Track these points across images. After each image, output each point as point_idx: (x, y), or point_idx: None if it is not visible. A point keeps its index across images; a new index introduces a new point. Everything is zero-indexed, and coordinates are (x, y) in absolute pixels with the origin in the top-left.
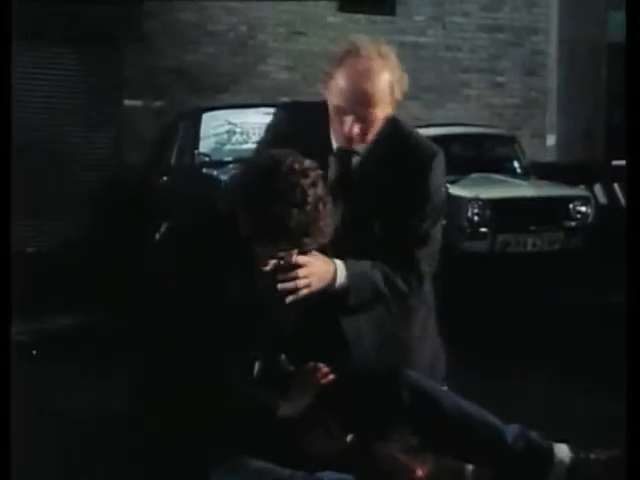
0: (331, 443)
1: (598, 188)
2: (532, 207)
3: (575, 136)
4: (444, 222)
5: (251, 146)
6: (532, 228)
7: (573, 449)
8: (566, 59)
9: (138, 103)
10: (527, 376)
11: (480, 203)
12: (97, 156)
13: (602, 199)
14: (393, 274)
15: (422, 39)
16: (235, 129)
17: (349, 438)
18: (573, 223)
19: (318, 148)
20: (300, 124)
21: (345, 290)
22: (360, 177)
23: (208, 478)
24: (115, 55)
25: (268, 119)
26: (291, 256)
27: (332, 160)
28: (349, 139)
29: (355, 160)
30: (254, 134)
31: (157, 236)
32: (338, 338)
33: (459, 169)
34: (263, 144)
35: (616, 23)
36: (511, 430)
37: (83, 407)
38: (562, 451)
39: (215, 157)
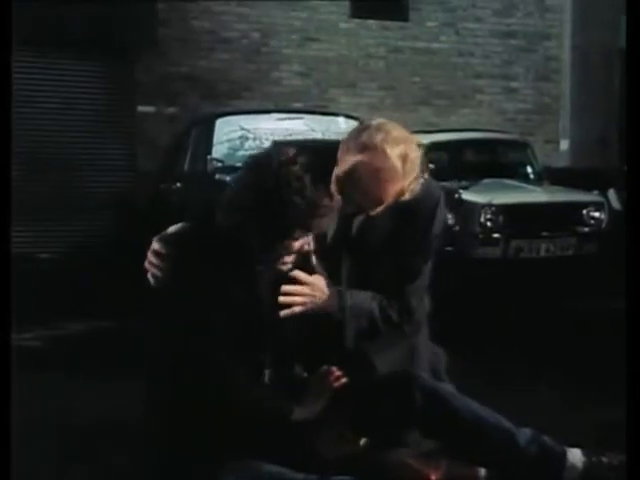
0: (344, 447)
1: (612, 193)
2: (545, 213)
3: (588, 141)
4: (457, 228)
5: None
6: (545, 234)
7: (586, 454)
8: (579, 64)
9: (151, 109)
10: (540, 382)
11: (493, 209)
12: (110, 162)
13: (616, 205)
14: (389, 308)
15: (435, 45)
16: (248, 135)
17: (362, 442)
18: (587, 229)
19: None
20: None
21: (343, 318)
22: (361, 237)
23: None
24: (128, 61)
25: (281, 125)
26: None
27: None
28: (341, 210)
29: (357, 221)
30: (267, 140)
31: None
32: (348, 348)
33: (472, 175)
34: None
35: None
36: (523, 434)
37: (93, 411)
38: (575, 456)
39: (228, 163)
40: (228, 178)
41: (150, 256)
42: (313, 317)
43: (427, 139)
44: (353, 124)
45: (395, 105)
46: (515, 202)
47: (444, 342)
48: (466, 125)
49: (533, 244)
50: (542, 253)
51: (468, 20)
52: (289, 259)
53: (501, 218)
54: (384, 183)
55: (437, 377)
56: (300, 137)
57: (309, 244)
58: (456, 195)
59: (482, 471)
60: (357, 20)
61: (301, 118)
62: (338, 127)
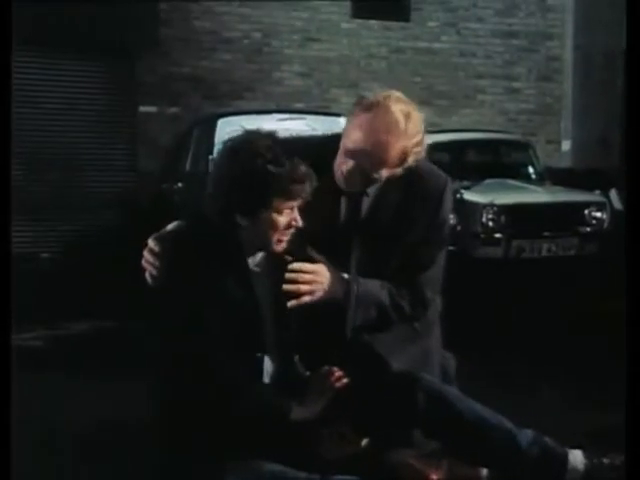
0: (345, 447)
1: (613, 194)
2: (547, 213)
3: (590, 141)
4: (459, 228)
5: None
6: (547, 234)
7: (587, 455)
8: (581, 65)
9: (153, 109)
10: (541, 382)
11: (495, 209)
12: (112, 162)
13: (617, 205)
14: (400, 297)
15: (436, 45)
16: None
17: (364, 442)
18: (588, 229)
19: (329, 185)
20: (311, 159)
21: (350, 307)
22: (371, 218)
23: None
24: (130, 61)
25: (283, 125)
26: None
27: (342, 200)
28: (347, 182)
29: (365, 202)
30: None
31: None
32: (352, 348)
33: (473, 175)
34: None
35: None
36: (525, 435)
37: (94, 411)
38: (576, 457)
39: None
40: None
41: (146, 255)
42: (320, 308)
43: (429, 139)
44: None
45: None
46: (517, 202)
47: (445, 342)
48: (468, 125)
49: (535, 244)
50: (544, 253)
51: (470, 20)
52: (282, 237)
53: (503, 218)
54: (386, 138)
55: (447, 381)
56: (304, 135)
57: (296, 220)
58: (458, 195)
59: (484, 471)
60: (358, 20)
61: (303, 118)
62: (340, 127)
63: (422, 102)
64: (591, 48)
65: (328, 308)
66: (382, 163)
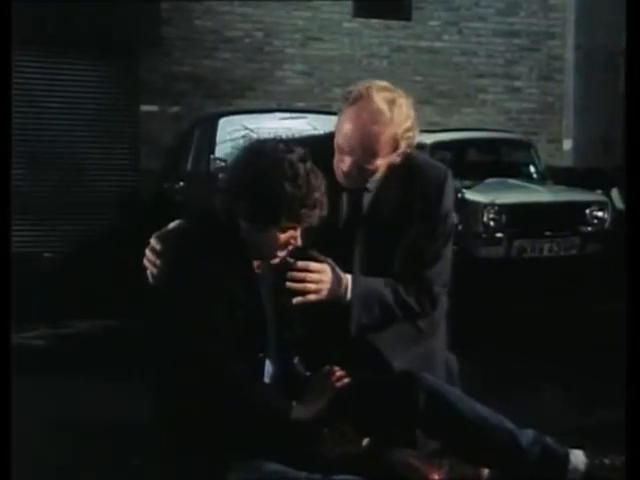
0: (346, 447)
1: (615, 193)
2: (548, 212)
3: (592, 141)
4: (460, 227)
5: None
6: (548, 233)
7: (588, 455)
8: (583, 64)
9: (155, 108)
10: (542, 381)
11: (496, 208)
12: (114, 161)
13: (619, 204)
14: (406, 295)
15: (438, 44)
16: (251, 134)
17: (364, 442)
18: (590, 228)
19: (328, 183)
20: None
21: (351, 301)
22: (373, 213)
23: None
24: (132, 61)
25: (284, 124)
26: (307, 258)
27: (343, 197)
28: (347, 179)
29: (366, 197)
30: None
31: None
32: (356, 347)
33: (475, 174)
34: None
35: None
36: (526, 435)
37: (96, 410)
38: (577, 457)
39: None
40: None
41: (148, 253)
42: (322, 308)
43: (430, 138)
44: None
45: None
46: (518, 202)
47: (446, 342)
48: (469, 124)
49: (536, 244)
50: (545, 253)
51: (471, 19)
52: (279, 253)
53: (504, 218)
54: (373, 128)
55: (451, 382)
56: (301, 135)
57: (296, 239)
58: (459, 194)
59: (485, 471)
60: (360, 19)
61: (304, 117)
62: None
63: (423, 101)
64: (593, 47)
65: (330, 308)
66: (374, 154)
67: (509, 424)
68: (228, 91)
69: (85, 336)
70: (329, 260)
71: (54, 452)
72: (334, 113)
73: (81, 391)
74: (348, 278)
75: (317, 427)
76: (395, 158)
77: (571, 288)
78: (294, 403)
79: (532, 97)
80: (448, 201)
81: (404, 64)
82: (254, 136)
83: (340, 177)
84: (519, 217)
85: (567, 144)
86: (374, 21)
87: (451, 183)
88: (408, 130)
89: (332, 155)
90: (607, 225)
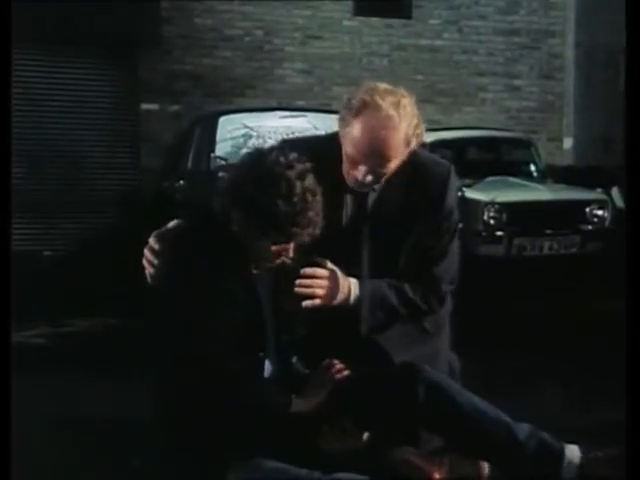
0: (346, 441)
1: (615, 191)
2: (548, 211)
3: (592, 139)
4: (460, 226)
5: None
6: (548, 232)
7: (583, 450)
8: (583, 62)
9: (155, 107)
10: (542, 379)
11: (496, 207)
12: (114, 159)
13: (619, 202)
14: (413, 293)
15: (438, 42)
16: (251, 133)
17: (365, 437)
18: (590, 227)
19: (332, 184)
20: (312, 160)
21: (358, 308)
22: (378, 212)
23: (225, 476)
24: (132, 59)
25: (284, 123)
26: (315, 264)
27: (348, 198)
28: (361, 185)
29: (371, 197)
30: (270, 138)
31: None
32: (359, 349)
33: (475, 172)
34: None
35: None
36: (522, 429)
37: (99, 408)
38: (572, 452)
39: (231, 161)
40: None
41: (146, 253)
42: (325, 310)
43: (430, 137)
44: None
45: None
46: (518, 200)
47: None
48: (469, 123)
49: (536, 242)
50: (545, 251)
51: (471, 18)
52: (271, 262)
53: (504, 216)
54: (387, 135)
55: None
56: (304, 135)
57: (288, 251)
58: (459, 193)
59: (485, 470)
60: (360, 18)
61: (304, 116)
62: None
63: (424, 100)
64: (593, 45)
65: (332, 309)
66: (389, 158)
67: (506, 418)
68: (228, 89)
69: (85, 335)
70: (331, 264)
71: (54, 451)
72: (334, 111)
73: (81, 390)
74: (352, 282)
75: (317, 421)
76: (405, 156)
77: (571, 286)
78: (293, 396)
79: (532, 95)
80: (452, 197)
81: (404, 63)
82: (254, 134)
83: (352, 183)
84: (519, 215)
85: (567, 142)
86: (374, 19)
87: (454, 179)
88: (417, 127)
89: (336, 156)
90: (607, 223)
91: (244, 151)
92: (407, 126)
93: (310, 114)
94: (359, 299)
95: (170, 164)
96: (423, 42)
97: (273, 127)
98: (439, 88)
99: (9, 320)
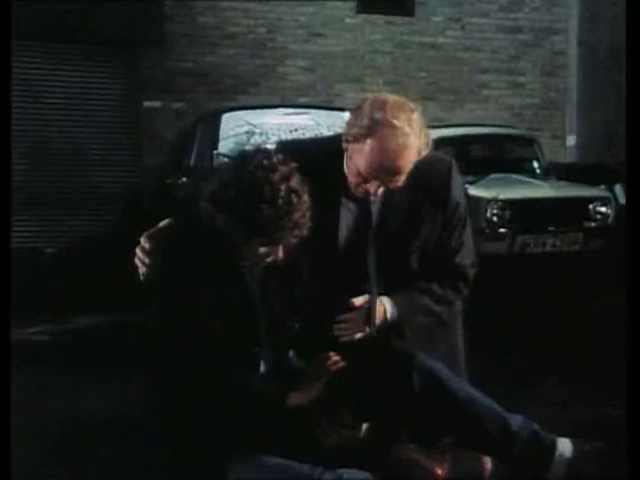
0: (344, 433)
1: (619, 188)
2: (552, 208)
3: (595, 137)
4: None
5: (270, 147)
6: (552, 229)
7: (575, 443)
8: (586, 59)
9: (158, 104)
10: (544, 377)
11: (499, 204)
12: (117, 157)
13: (622, 200)
14: (443, 290)
15: (441, 40)
16: (254, 130)
17: (364, 428)
18: (593, 224)
19: (333, 190)
20: (312, 165)
21: (396, 322)
22: (384, 216)
23: (225, 474)
24: (135, 57)
25: (287, 120)
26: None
27: (350, 205)
28: (372, 197)
29: (375, 200)
30: (273, 135)
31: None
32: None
33: (478, 170)
34: None
35: None
36: (516, 420)
37: (100, 406)
38: (564, 445)
39: (234, 158)
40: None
41: (138, 252)
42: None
43: (433, 134)
44: None
45: None
46: (521, 197)
47: None
48: (472, 120)
49: (539, 239)
50: (548, 248)
51: (474, 15)
52: (260, 262)
53: (507, 213)
54: (402, 153)
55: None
56: (306, 132)
57: (276, 253)
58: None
59: (488, 465)
60: (363, 15)
61: (307, 113)
62: (344, 122)
63: (427, 97)
64: (596, 43)
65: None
66: (404, 173)
67: (499, 408)
68: (231, 87)
69: (87, 332)
70: (364, 298)
71: (55, 449)
72: (337, 108)
73: (83, 387)
74: (385, 302)
75: (315, 414)
76: None
77: (574, 283)
78: (289, 391)
79: (535, 93)
80: (456, 190)
81: (407, 60)
82: (257, 132)
83: (360, 194)
84: (522, 213)
85: (571, 140)
86: (377, 17)
87: (456, 172)
88: (426, 137)
89: (338, 162)
90: (610, 220)
91: (247, 148)
92: (418, 140)
93: (313, 111)
94: (395, 317)
95: (173, 161)
96: (426, 39)
97: (276, 124)
98: (442, 85)
99: (9, 317)
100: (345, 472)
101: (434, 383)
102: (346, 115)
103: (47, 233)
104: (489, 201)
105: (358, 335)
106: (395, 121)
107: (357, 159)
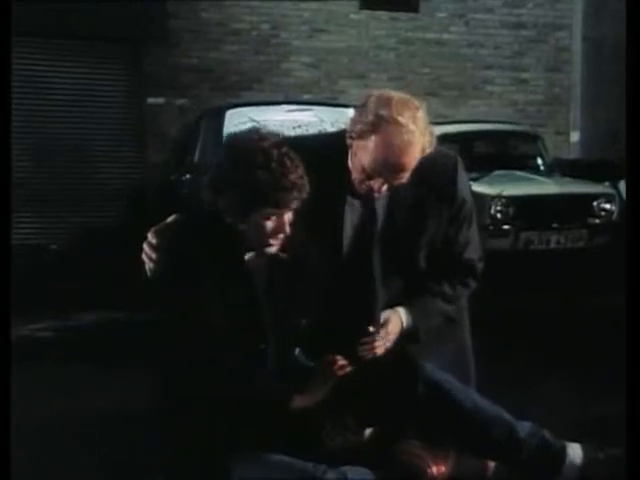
0: (348, 436)
1: (623, 185)
2: (556, 204)
3: (599, 133)
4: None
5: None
6: (555, 225)
7: (585, 449)
8: (590, 55)
9: (161, 101)
10: (548, 374)
11: (503, 200)
12: (120, 153)
13: None
14: (451, 288)
15: (445, 36)
16: (258, 126)
17: (367, 433)
18: (597, 220)
19: (337, 187)
20: (317, 161)
21: (413, 330)
22: (390, 213)
23: (229, 472)
24: (138, 53)
25: (291, 116)
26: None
27: (355, 202)
28: (376, 194)
29: (380, 198)
30: (277, 131)
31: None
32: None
33: (482, 166)
34: None
35: None
36: (524, 427)
37: (104, 402)
38: (574, 451)
39: None
40: None
41: (145, 248)
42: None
43: (437, 130)
44: None
45: None
46: (525, 194)
47: None
48: (476, 116)
49: (543, 236)
50: (552, 245)
51: (478, 11)
52: (272, 241)
53: (511, 210)
54: (407, 149)
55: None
56: (310, 128)
57: (283, 226)
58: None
59: (492, 463)
60: (367, 11)
61: (311, 110)
62: (348, 119)
63: (430, 93)
64: (600, 38)
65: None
66: (408, 170)
67: (507, 416)
68: (235, 83)
69: (91, 328)
70: (384, 315)
71: (58, 445)
72: (341, 105)
73: (86, 383)
74: (401, 313)
75: (319, 417)
76: None
77: (578, 280)
78: (295, 392)
79: (539, 89)
80: (462, 187)
81: (411, 56)
82: (260, 128)
83: (364, 191)
84: (526, 209)
85: (575, 136)
86: (381, 13)
87: (462, 169)
88: (431, 134)
89: (342, 159)
90: (614, 217)
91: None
92: (423, 137)
93: (317, 107)
94: (412, 326)
95: (176, 158)
96: (430, 35)
97: (280, 121)
98: (446, 81)
99: (9, 314)
100: (348, 470)
101: (440, 394)
102: (350, 112)
103: (51, 230)
104: (493, 198)
105: (380, 351)
106: (400, 118)
107: (361, 156)
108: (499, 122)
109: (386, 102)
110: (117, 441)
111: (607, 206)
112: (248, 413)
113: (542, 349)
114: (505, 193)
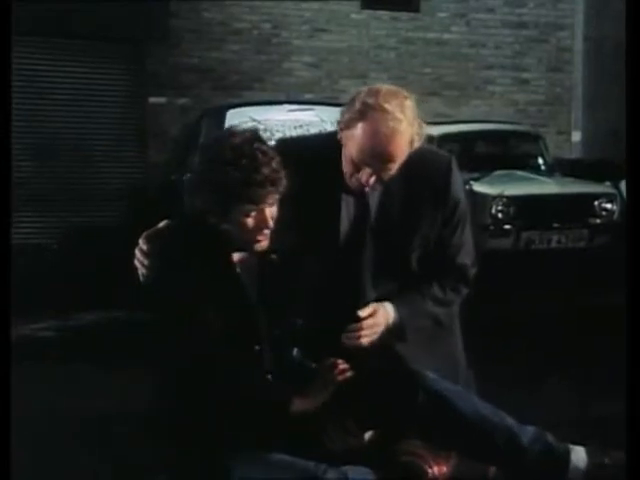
0: (348, 440)
1: (624, 185)
2: (557, 204)
3: (600, 133)
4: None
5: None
6: (557, 225)
7: (589, 453)
8: (592, 55)
9: (162, 100)
10: (549, 374)
11: (504, 200)
12: (121, 153)
13: None
14: (442, 291)
15: (446, 36)
16: (259, 126)
17: (367, 436)
18: (598, 220)
19: (333, 185)
20: (311, 160)
21: (399, 327)
22: (381, 211)
23: (229, 471)
24: (140, 53)
25: (292, 116)
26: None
27: (349, 199)
28: (366, 187)
29: (373, 196)
30: (278, 131)
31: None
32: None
33: (483, 166)
34: None
35: None
36: (527, 432)
37: (104, 402)
38: (578, 455)
39: None
40: None
41: (137, 253)
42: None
43: (438, 130)
44: None
45: None
46: (526, 194)
47: None
48: (477, 116)
49: (544, 235)
50: (553, 245)
51: (479, 11)
52: (258, 238)
53: (512, 210)
54: (393, 139)
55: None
56: (311, 128)
57: (265, 221)
58: (467, 187)
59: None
60: (368, 11)
61: (312, 109)
62: None
63: (431, 93)
64: (602, 38)
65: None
66: (395, 161)
67: (510, 421)
68: (236, 83)
69: (91, 328)
70: (372, 308)
71: (59, 444)
72: (342, 105)
73: (87, 383)
74: (388, 308)
75: (320, 421)
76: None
77: (579, 280)
78: (295, 395)
79: (541, 89)
80: (455, 187)
81: (412, 56)
82: (262, 128)
83: (354, 185)
84: (527, 209)
85: (576, 136)
86: (382, 13)
87: (456, 170)
88: (419, 127)
89: (336, 156)
90: (616, 217)
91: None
92: (411, 128)
93: (318, 107)
94: (398, 323)
95: (177, 158)
96: (431, 35)
97: (281, 120)
98: (447, 81)
99: (9, 314)
100: (349, 469)
101: (441, 404)
102: None
103: (51, 229)
104: (494, 197)
105: (365, 341)
106: (387, 105)
107: (350, 146)
108: (500, 122)
109: (375, 92)
110: (117, 441)
111: (608, 206)
112: (248, 413)
113: (542, 349)
114: (506, 193)
